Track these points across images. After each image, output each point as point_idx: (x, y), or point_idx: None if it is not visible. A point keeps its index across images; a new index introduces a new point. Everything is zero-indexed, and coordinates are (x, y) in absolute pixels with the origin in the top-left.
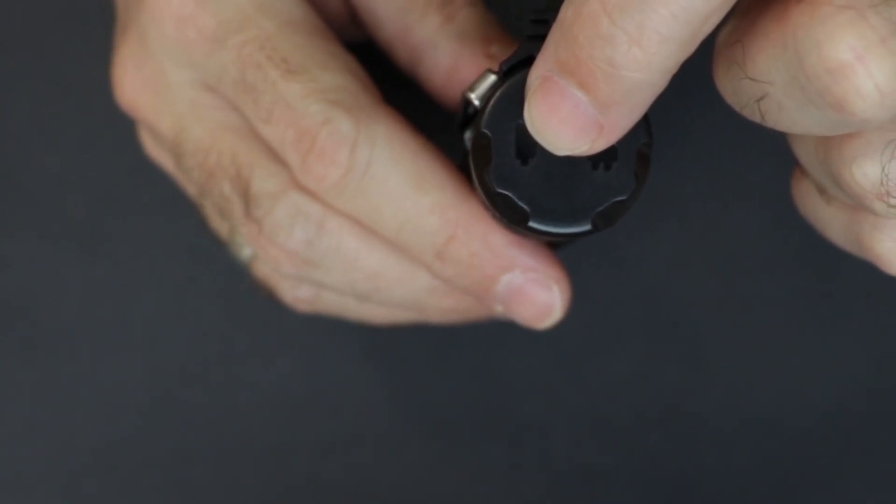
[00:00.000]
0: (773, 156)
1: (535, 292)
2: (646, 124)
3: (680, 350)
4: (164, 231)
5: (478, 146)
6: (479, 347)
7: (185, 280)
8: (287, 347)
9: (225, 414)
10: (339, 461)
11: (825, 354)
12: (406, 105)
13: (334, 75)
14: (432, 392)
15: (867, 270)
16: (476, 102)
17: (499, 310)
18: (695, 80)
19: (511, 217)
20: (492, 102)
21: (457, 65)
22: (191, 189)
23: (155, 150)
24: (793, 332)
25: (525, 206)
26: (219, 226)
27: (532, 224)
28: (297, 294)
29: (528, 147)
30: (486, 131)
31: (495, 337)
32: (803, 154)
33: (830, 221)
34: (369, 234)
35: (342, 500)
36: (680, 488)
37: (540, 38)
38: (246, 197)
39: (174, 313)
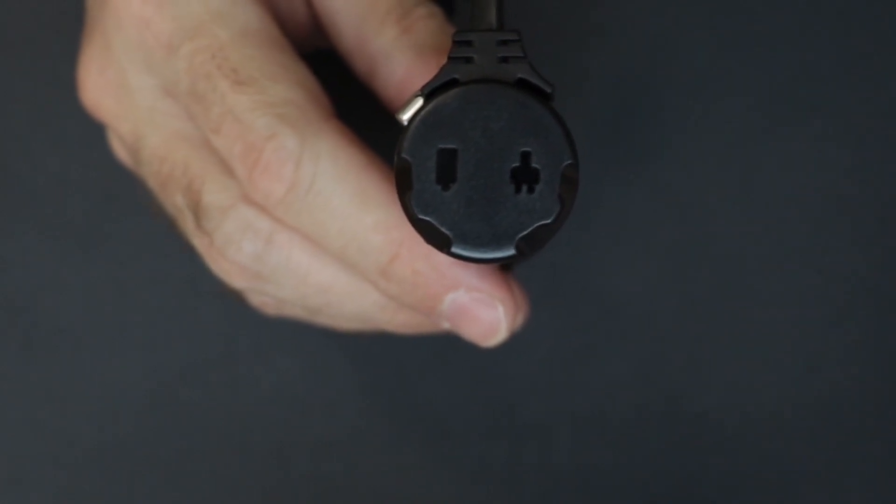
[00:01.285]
0: (775, 155)
1: (480, 311)
2: (570, 145)
3: (680, 349)
4: (164, 231)
5: (399, 171)
6: (479, 347)
7: (185, 280)
8: (287, 347)
9: (225, 414)
10: (339, 460)
11: (825, 354)
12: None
13: (283, 88)
14: (432, 392)
15: (867, 270)
16: (406, 124)
17: (446, 326)
18: (697, 79)
19: (434, 242)
20: (412, 127)
21: (409, 76)
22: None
23: (121, 152)
24: (794, 330)
25: (447, 232)
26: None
27: (455, 249)
28: (261, 299)
29: (449, 172)
30: (406, 157)
31: None
32: None
33: None
34: (319, 249)
35: (342, 500)
36: (680, 488)
37: (462, 60)
38: (197, 209)
39: (174, 313)
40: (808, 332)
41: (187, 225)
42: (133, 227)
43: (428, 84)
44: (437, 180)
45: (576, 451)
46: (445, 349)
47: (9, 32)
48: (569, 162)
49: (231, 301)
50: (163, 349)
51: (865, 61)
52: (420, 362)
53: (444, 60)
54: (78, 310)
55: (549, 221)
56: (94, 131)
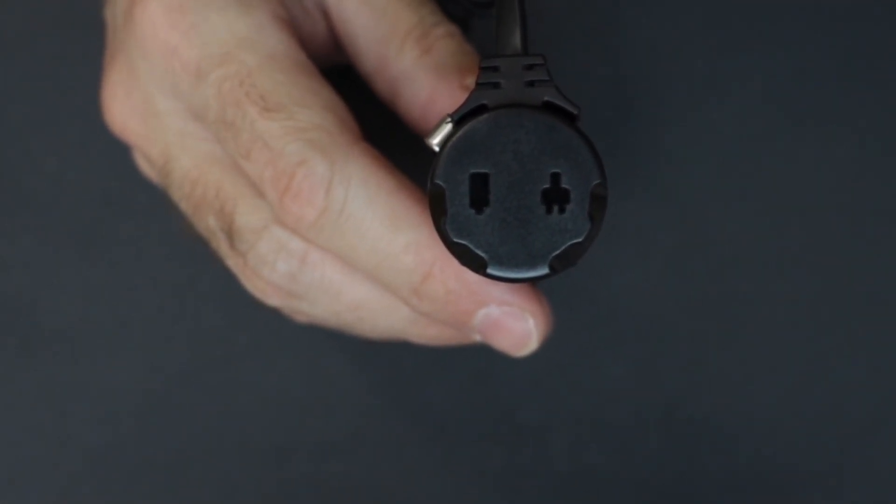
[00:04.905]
0: (775, 156)
1: (511, 324)
2: (598, 165)
3: (679, 351)
4: (164, 231)
5: (433, 197)
6: (479, 349)
7: (185, 280)
8: (287, 348)
9: (225, 414)
10: (339, 462)
11: (825, 354)
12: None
13: (312, 113)
14: (432, 393)
15: (867, 270)
16: (436, 149)
17: (477, 338)
18: (698, 80)
19: (470, 264)
20: (444, 153)
21: (433, 98)
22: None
23: (149, 172)
24: (793, 332)
25: (482, 254)
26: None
27: (490, 271)
28: (294, 313)
29: (482, 196)
30: (439, 182)
31: None
32: None
33: None
34: (351, 268)
35: (342, 500)
36: (679, 490)
37: (490, 86)
38: (230, 231)
39: (174, 313)
40: (808, 334)
41: (221, 246)
42: (133, 228)
43: (457, 110)
44: (471, 204)
45: (574, 453)
46: (445, 351)
47: (9, 32)
48: (597, 181)
49: (234, 301)
50: (162, 350)
51: (865, 62)
52: (420, 364)
53: (465, 80)
54: (77, 311)
55: (580, 240)
56: (94, 132)
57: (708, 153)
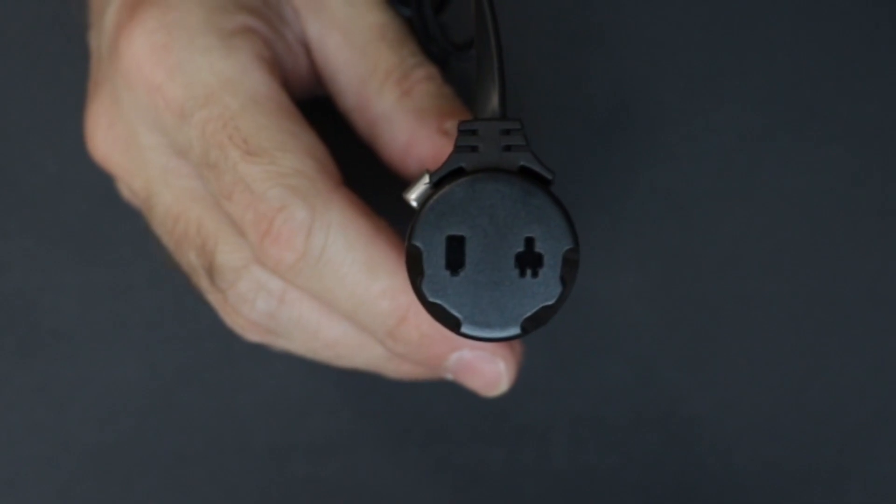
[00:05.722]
0: (774, 156)
1: (483, 367)
2: (571, 230)
3: (679, 351)
4: None
5: (410, 258)
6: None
7: (185, 280)
8: None
9: (224, 414)
10: (339, 462)
11: (825, 355)
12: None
13: (293, 158)
14: (430, 395)
15: (867, 270)
16: (414, 204)
17: (449, 377)
18: (697, 81)
19: (445, 323)
20: (421, 215)
21: (412, 141)
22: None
23: (132, 200)
24: (793, 333)
25: (457, 314)
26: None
27: (464, 330)
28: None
29: (458, 258)
30: (416, 244)
31: None
32: None
33: None
34: (327, 308)
35: (341, 500)
36: (679, 490)
37: (468, 149)
38: (211, 269)
39: (173, 313)
40: (808, 334)
41: (201, 282)
42: (133, 227)
43: (435, 172)
44: (447, 266)
45: (573, 454)
46: None
47: (9, 32)
48: (570, 247)
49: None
50: (161, 351)
51: (864, 62)
52: None
53: (444, 124)
54: (76, 311)
55: (552, 302)
56: None
57: (707, 153)
